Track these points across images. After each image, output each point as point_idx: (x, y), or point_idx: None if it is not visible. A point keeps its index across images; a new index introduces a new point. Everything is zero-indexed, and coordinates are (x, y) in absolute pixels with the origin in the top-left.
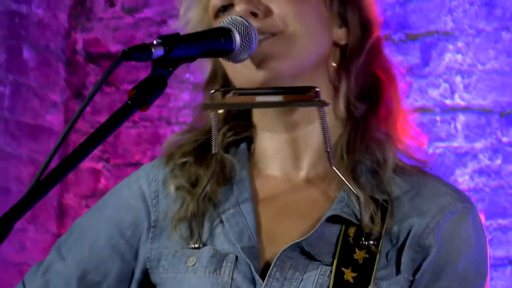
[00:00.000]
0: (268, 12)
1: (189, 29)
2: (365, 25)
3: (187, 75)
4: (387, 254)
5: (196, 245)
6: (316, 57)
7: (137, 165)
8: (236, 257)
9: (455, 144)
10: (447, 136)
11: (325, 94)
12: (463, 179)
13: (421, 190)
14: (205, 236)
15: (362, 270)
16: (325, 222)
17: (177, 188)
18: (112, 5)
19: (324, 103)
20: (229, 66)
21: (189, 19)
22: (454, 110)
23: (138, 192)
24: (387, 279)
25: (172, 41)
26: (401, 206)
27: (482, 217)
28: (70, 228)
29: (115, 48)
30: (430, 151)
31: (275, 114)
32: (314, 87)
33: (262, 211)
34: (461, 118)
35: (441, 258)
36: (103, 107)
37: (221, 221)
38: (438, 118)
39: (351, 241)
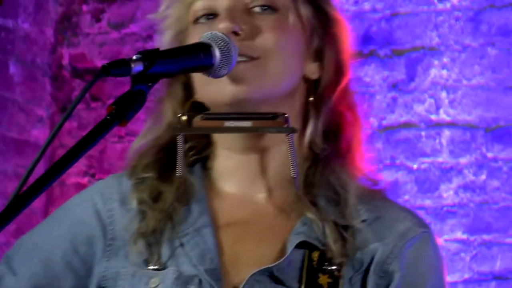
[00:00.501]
0: (250, 35)
1: (165, 25)
2: (340, 65)
3: None
4: (350, 279)
5: (157, 266)
6: (286, 88)
7: None
8: (200, 280)
9: (440, 159)
10: (432, 151)
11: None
12: (447, 194)
13: (381, 215)
14: (164, 256)
15: None
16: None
17: (139, 203)
18: (98, 20)
19: (293, 130)
20: (202, 80)
21: (168, 15)
22: (439, 125)
23: (92, 210)
24: None
25: (151, 56)
26: (362, 231)
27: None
28: (18, 242)
29: (101, 63)
30: (415, 166)
31: (240, 135)
32: (283, 113)
33: (222, 233)
34: (446, 133)
35: (406, 283)
36: (89, 122)
37: (181, 243)
38: (423, 133)
39: (315, 266)
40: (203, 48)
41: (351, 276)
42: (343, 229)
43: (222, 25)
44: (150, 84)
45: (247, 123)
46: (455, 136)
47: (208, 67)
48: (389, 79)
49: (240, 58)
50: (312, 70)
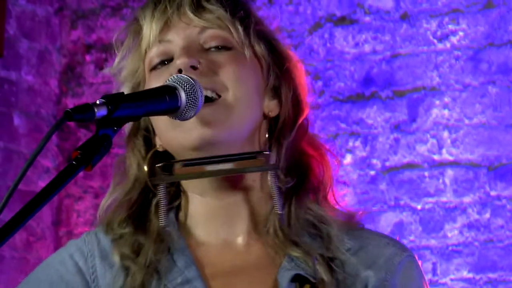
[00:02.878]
0: (209, 69)
1: (122, 77)
2: (297, 102)
3: None
4: None
5: None
6: (250, 126)
7: None
8: None
9: (444, 199)
10: (435, 191)
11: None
12: (452, 233)
13: (364, 244)
14: None
15: None
16: (287, 282)
17: (122, 258)
18: (101, 69)
19: (276, 167)
20: (168, 126)
21: (123, 66)
22: (442, 165)
23: (75, 269)
24: None
25: (115, 100)
26: (350, 261)
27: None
28: None
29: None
30: (419, 206)
31: (215, 179)
32: (265, 151)
33: (212, 281)
34: (449, 173)
35: None
36: (95, 171)
37: None
38: (426, 173)
39: None
40: (169, 91)
41: None
42: (330, 261)
43: (179, 61)
44: (115, 128)
45: (229, 165)
46: (458, 175)
47: (174, 110)
48: (391, 120)
49: (205, 93)
50: (271, 107)
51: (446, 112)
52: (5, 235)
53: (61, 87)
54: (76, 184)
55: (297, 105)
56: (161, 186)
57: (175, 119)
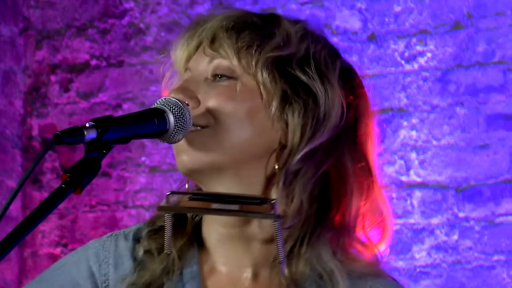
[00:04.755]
0: (198, 104)
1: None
2: (305, 129)
3: (143, 158)
4: None
5: None
6: (246, 155)
7: None
8: None
9: (411, 220)
10: (403, 212)
11: (258, 191)
12: (420, 255)
13: None
14: None
15: None
16: None
17: (145, 252)
18: (66, 90)
19: (279, 217)
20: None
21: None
22: (410, 186)
23: (87, 273)
24: None
25: (104, 123)
26: None
27: None
28: None
29: None
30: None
31: (227, 220)
32: (271, 199)
33: None
34: (417, 194)
35: None
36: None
37: None
38: (394, 195)
39: None
40: (157, 114)
41: None
42: None
43: (171, 96)
44: (104, 151)
45: (234, 207)
46: (426, 197)
47: (162, 133)
48: None
49: (193, 128)
50: (283, 136)
51: (414, 133)
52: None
53: (26, 108)
54: None
55: (306, 133)
56: (167, 215)
57: (163, 142)
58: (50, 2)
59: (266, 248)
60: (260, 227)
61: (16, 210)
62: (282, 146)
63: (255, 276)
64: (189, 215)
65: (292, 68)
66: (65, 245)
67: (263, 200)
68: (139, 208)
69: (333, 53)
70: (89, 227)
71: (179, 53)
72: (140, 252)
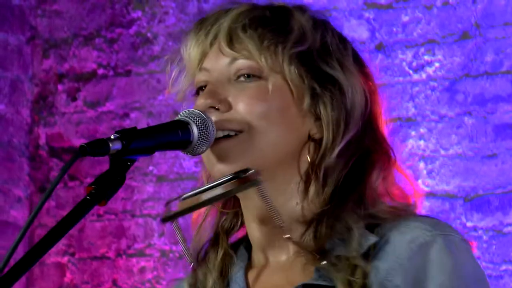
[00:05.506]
0: (228, 108)
1: (179, 98)
2: (339, 122)
3: (151, 168)
4: None
5: None
6: (282, 154)
7: (102, 258)
8: None
9: None
10: None
11: (294, 188)
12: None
13: (391, 237)
14: None
15: None
16: None
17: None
18: (74, 99)
19: (257, 182)
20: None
21: (179, 88)
22: None
23: None
24: None
25: (129, 135)
26: (375, 258)
27: (465, 245)
28: None
29: (78, 142)
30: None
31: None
32: (245, 170)
33: None
34: (425, 204)
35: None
36: (68, 201)
37: None
38: None
39: None
40: (181, 126)
41: None
42: (354, 269)
43: (199, 102)
44: (129, 163)
45: (219, 190)
46: (434, 206)
47: (186, 145)
48: None
49: (221, 133)
50: (314, 129)
51: (422, 143)
52: (22, 270)
53: (33, 116)
54: (49, 213)
55: (341, 126)
56: (174, 225)
57: (187, 153)
58: (57, 11)
59: (293, 212)
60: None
61: (23, 220)
62: (313, 139)
63: (292, 258)
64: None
65: (316, 61)
66: (72, 254)
67: (238, 174)
68: (146, 217)
69: (342, 37)
70: (96, 236)
71: (192, 52)
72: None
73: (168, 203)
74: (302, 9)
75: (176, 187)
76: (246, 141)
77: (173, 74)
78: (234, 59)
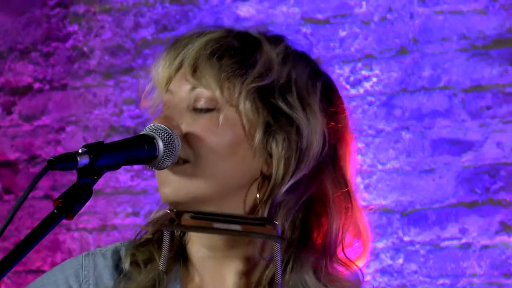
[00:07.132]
0: (181, 136)
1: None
2: (290, 160)
3: None
4: None
5: None
6: (228, 188)
7: (38, 272)
8: None
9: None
10: None
11: None
12: (365, 279)
13: None
14: None
15: None
16: None
17: (131, 263)
18: (9, 112)
19: (282, 238)
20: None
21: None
22: None
23: None
24: None
25: (97, 149)
26: None
27: None
28: None
29: (13, 156)
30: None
31: (223, 237)
32: (273, 221)
33: None
34: None
35: None
36: (3, 215)
37: None
38: None
39: None
40: (147, 140)
41: None
42: None
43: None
44: (95, 177)
45: (236, 227)
46: (371, 221)
47: (152, 159)
48: None
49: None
50: (265, 166)
51: (359, 157)
52: None
53: None
54: None
55: (291, 164)
56: (167, 233)
57: (152, 168)
58: None
59: (249, 270)
60: (247, 250)
61: None
62: (264, 176)
63: None
64: (176, 232)
65: (274, 98)
66: None
67: (265, 221)
68: (82, 231)
69: (314, 73)
70: (31, 250)
71: (160, 72)
72: (127, 263)
73: (177, 213)
74: (278, 40)
75: (112, 201)
76: (191, 170)
77: (146, 88)
78: (194, 87)
